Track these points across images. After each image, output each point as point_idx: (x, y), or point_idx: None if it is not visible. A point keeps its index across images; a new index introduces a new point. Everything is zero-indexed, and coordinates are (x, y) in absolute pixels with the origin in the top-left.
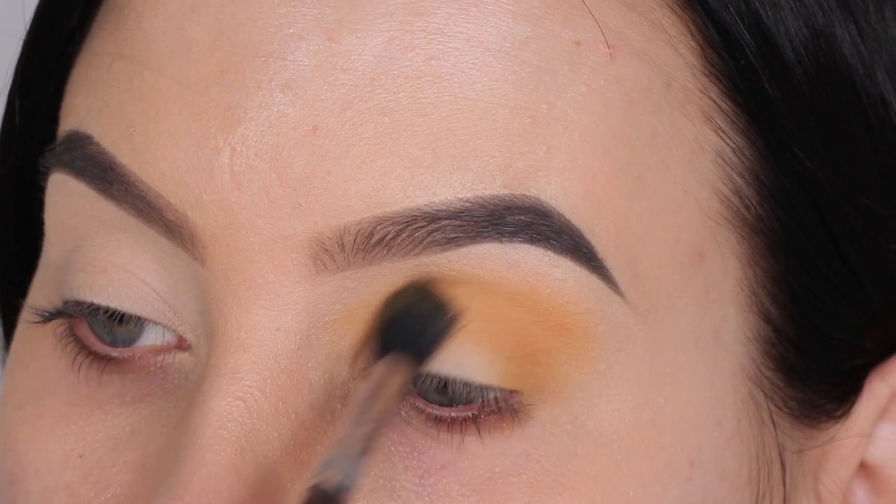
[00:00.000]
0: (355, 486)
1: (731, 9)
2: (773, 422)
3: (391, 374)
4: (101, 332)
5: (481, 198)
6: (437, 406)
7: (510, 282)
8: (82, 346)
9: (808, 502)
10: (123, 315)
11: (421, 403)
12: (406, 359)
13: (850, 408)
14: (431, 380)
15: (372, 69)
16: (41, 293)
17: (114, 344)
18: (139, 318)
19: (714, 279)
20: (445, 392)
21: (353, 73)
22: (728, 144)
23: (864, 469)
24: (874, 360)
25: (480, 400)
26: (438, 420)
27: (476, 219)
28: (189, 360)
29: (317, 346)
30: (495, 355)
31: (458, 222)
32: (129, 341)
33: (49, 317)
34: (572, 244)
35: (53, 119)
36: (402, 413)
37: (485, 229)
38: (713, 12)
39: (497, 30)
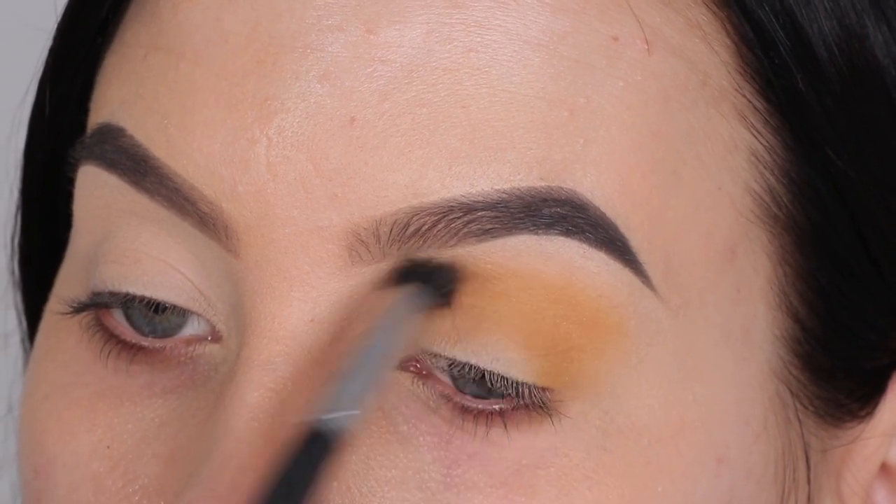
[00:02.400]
0: (351, 429)
1: (766, 7)
2: (799, 420)
3: (410, 309)
4: (140, 323)
5: (518, 189)
6: (467, 396)
7: (545, 275)
8: (110, 336)
9: (831, 501)
10: (159, 304)
11: (450, 391)
12: (429, 293)
13: (874, 408)
14: (470, 369)
15: (410, 61)
16: (69, 285)
17: (153, 334)
18: (176, 307)
19: (745, 277)
20: (483, 383)
21: (392, 65)
22: (761, 143)
23: (885, 470)
24: None
25: (513, 394)
26: (465, 410)
27: (512, 210)
28: (219, 351)
29: (350, 338)
30: (530, 353)
31: (494, 213)
32: (170, 332)
33: (79, 308)
34: (607, 237)
35: (83, 111)
36: (431, 403)
37: (521, 221)
38: (749, 10)
39: (535, 23)
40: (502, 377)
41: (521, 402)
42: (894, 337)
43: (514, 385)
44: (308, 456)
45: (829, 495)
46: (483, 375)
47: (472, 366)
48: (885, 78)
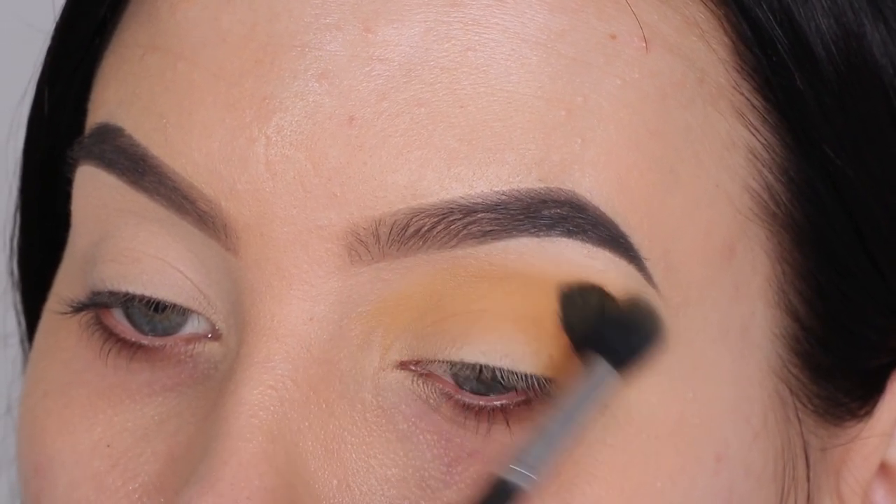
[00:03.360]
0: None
1: (764, 5)
2: (799, 418)
3: (597, 385)
4: (140, 322)
5: (517, 191)
6: (468, 393)
7: (554, 276)
8: (110, 334)
9: (831, 500)
10: (158, 303)
11: (451, 389)
12: (610, 370)
13: (874, 407)
14: (473, 368)
15: (408, 60)
16: (68, 285)
17: (154, 333)
18: (176, 305)
19: (743, 275)
20: (482, 380)
21: (390, 64)
22: (759, 141)
23: (885, 469)
24: None
25: (524, 386)
26: (467, 407)
27: (512, 212)
28: (219, 349)
29: (349, 336)
30: (540, 345)
31: (493, 215)
32: (171, 330)
33: (78, 308)
34: (609, 236)
35: (81, 111)
36: (431, 401)
37: (520, 223)
38: (746, 9)
39: (533, 21)
40: (511, 372)
41: (522, 397)
42: (894, 336)
43: (525, 378)
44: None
45: (828, 494)
46: (481, 370)
47: (482, 366)
48: (883, 76)
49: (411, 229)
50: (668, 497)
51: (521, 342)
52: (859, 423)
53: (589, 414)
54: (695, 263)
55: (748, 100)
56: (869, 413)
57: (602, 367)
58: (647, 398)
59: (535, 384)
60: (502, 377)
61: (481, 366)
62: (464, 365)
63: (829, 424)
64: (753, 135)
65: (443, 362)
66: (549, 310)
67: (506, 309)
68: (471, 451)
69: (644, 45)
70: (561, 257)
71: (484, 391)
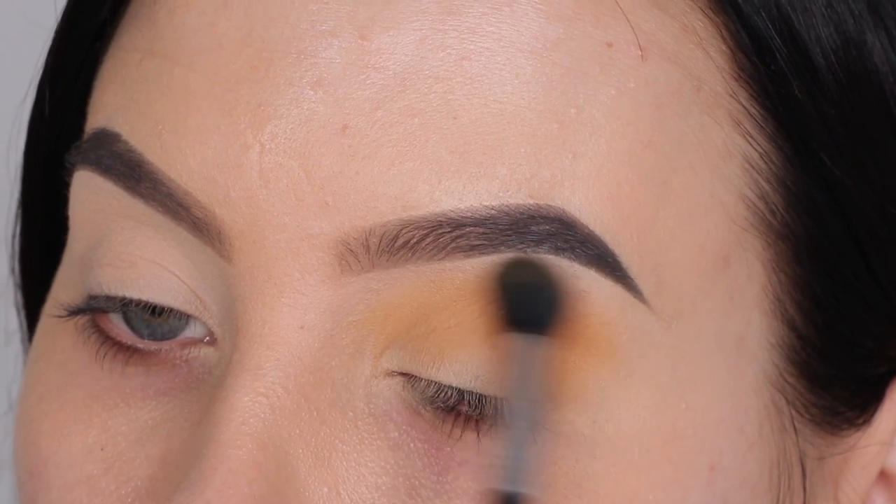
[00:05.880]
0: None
1: (763, 13)
2: (795, 428)
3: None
4: (139, 326)
5: (506, 206)
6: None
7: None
8: (106, 338)
9: None
10: (155, 307)
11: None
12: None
13: (872, 416)
14: (451, 392)
15: (403, 68)
16: (65, 288)
17: (152, 337)
18: (172, 309)
19: (739, 285)
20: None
21: (385, 73)
22: (756, 149)
23: (884, 477)
24: None
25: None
26: (453, 412)
27: (500, 227)
28: (214, 354)
29: (340, 344)
30: None
31: (482, 230)
32: (169, 335)
33: (75, 312)
34: (596, 254)
35: (82, 113)
36: (415, 404)
37: (509, 238)
38: (745, 16)
39: (529, 30)
40: (482, 395)
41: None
42: (891, 345)
43: (494, 403)
44: None
45: (825, 503)
46: (462, 396)
47: (454, 388)
48: (883, 85)
49: (401, 241)
50: None
51: (493, 361)
52: (857, 432)
53: (533, 391)
54: (688, 275)
55: (745, 108)
56: (867, 422)
57: (520, 341)
58: (637, 412)
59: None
60: (470, 401)
61: (455, 388)
62: (440, 386)
63: (827, 434)
64: (750, 143)
65: (426, 380)
66: None
67: (481, 325)
68: (461, 460)
69: (640, 53)
70: None
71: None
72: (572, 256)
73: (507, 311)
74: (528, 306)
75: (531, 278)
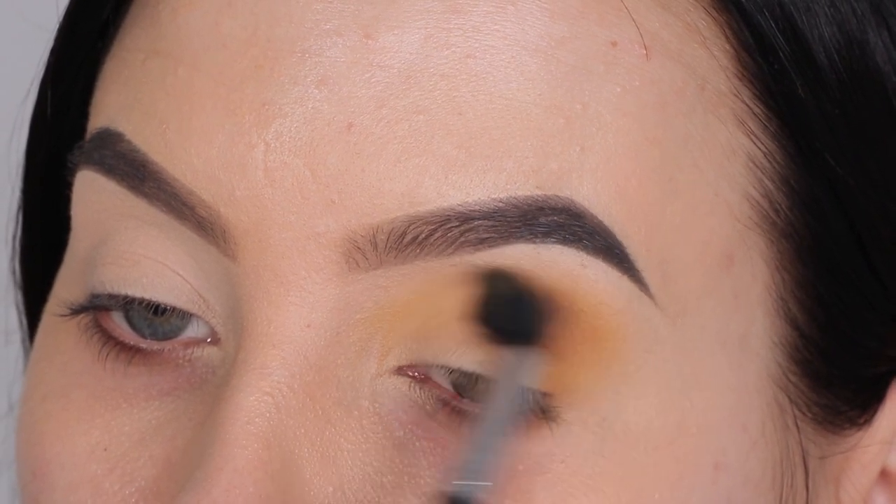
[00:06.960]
0: (483, 498)
1: (767, 13)
2: (798, 427)
3: (514, 371)
4: (141, 325)
5: (514, 198)
6: (466, 401)
7: (545, 283)
8: (109, 338)
9: None
10: (159, 306)
11: (448, 395)
12: (524, 351)
13: (873, 415)
14: (470, 376)
15: (408, 66)
16: (68, 287)
17: (154, 336)
18: (175, 309)
19: (742, 283)
20: (479, 389)
21: (389, 71)
22: (760, 148)
23: (885, 476)
24: None
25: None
26: (462, 414)
27: (509, 219)
28: (217, 354)
29: (346, 343)
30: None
31: (491, 223)
32: (171, 334)
33: (77, 310)
34: (605, 245)
35: (83, 114)
36: (428, 407)
37: (517, 230)
38: (748, 15)
39: (534, 28)
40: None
41: (523, 408)
42: (893, 345)
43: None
44: None
45: (827, 501)
46: (477, 379)
47: (469, 373)
48: (886, 84)
49: (409, 237)
50: None
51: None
52: (859, 432)
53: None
54: (693, 272)
55: (749, 107)
56: (868, 421)
57: (510, 352)
58: (644, 409)
59: (530, 398)
60: (476, 399)
61: (478, 375)
62: (462, 373)
63: (829, 433)
64: (754, 143)
65: (442, 367)
66: None
67: None
68: None
69: (645, 52)
70: (555, 265)
71: (479, 399)
72: (580, 247)
73: (490, 323)
74: (511, 318)
75: (512, 290)
